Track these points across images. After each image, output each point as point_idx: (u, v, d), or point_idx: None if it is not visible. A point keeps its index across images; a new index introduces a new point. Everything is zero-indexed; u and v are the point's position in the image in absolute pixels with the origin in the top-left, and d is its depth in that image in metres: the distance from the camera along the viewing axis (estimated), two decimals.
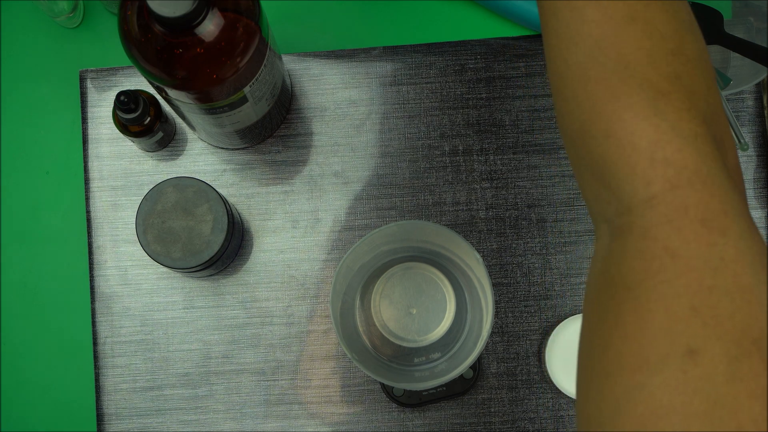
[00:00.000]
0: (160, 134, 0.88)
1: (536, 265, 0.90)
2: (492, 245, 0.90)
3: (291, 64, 0.92)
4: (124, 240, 0.90)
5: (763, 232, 0.91)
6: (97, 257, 0.90)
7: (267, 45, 0.75)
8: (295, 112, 0.92)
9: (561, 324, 0.89)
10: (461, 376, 0.89)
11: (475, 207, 0.91)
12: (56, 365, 0.92)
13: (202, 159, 0.91)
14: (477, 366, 0.89)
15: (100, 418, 0.89)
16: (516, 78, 0.92)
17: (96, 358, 0.89)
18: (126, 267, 0.90)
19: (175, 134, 0.91)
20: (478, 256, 0.76)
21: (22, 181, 0.93)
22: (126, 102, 0.82)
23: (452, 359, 0.79)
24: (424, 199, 0.91)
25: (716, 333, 0.43)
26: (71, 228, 0.93)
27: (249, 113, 0.81)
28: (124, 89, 0.86)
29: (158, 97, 0.88)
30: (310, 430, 0.88)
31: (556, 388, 0.89)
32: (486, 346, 0.90)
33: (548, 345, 0.89)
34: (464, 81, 0.92)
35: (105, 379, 0.89)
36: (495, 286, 0.90)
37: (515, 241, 0.90)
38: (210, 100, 0.74)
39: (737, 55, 0.88)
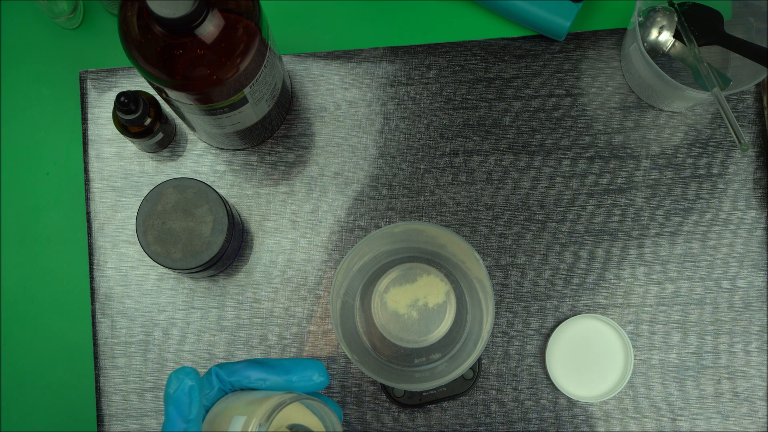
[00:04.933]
0: (160, 135, 0.88)
1: (536, 265, 0.90)
2: (492, 245, 0.90)
3: (291, 64, 0.92)
4: (125, 241, 0.90)
5: (763, 232, 0.91)
6: (98, 258, 0.90)
7: (267, 46, 0.75)
8: (295, 112, 0.92)
9: (561, 324, 0.89)
10: (461, 377, 0.89)
11: (475, 207, 0.91)
12: (56, 366, 0.92)
13: (202, 160, 0.91)
14: (477, 367, 0.89)
15: (100, 418, 0.89)
16: (516, 79, 0.92)
17: (96, 359, 0.89)
18: (126, 268, 0.90)
19: (175, 135, 0.91)
20: (478, 256, 0.76)
21: (22, 181, 0.93)
22: (126, 103, 0.82)
23: (452, 360, 0.79)
24: (424, 200, 0.91)
25: None
26: (71, 229, 0.93)
27: (249, 114, 0.81)
28: (124, 90, 0.86)
29: (158, 98, 0.88)
30: None
31: (557, 389, 0.89)
32: (486, 347, 0.90)
33: (548, 345, 0.89)
34: (464, 81, 0.92)
35: (105, 380, 0.89)
36: (495, 286, 0.90)
37: (515, 242, 0.90)
38: (210, 101, 0.74)
39: (737, 55, 0.88)
